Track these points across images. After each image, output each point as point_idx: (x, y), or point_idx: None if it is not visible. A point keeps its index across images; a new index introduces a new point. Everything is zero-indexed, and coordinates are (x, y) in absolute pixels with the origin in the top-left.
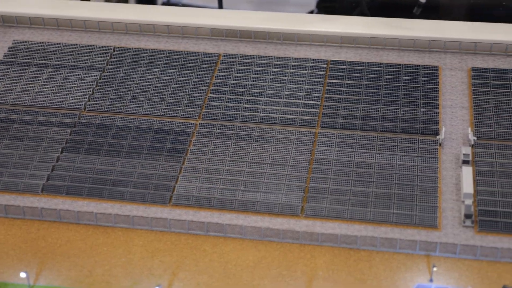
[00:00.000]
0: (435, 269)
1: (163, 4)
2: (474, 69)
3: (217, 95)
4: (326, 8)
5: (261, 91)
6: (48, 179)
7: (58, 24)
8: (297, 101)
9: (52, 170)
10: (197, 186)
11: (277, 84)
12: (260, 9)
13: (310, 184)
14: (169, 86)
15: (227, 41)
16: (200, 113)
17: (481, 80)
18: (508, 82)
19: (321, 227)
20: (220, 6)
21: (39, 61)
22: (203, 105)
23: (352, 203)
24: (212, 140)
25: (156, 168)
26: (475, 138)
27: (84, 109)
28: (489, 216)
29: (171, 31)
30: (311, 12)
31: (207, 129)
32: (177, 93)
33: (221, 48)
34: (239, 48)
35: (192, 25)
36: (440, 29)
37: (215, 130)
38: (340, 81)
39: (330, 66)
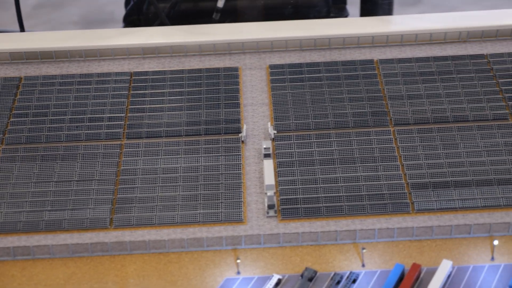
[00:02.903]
0: (239, 261)
1: None
2: (272, 66)
3: (20, 119)
4: (133, 21)
5: (65, 109)
6: None
7: None
8: (102, 115)
9: None
10: (2, 212)
11: (81, 101)
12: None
13: (118, 195)
14: None
15: (28, 63)
16: (3, 138)
17: (279, 76)
18: (304, 75)
19: (130, 236)
20: (22, 29)
21: None
22: (5, 130)
23: (160, 209)
24: (16, 164)
25: None
26: (275, 132)
27: None
28: (290, 204)
29: None
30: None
31: (10, 154)
32: None
33: (22, 71)
34: (41, 70)
35: None
36: (239, 31)
37: (19, 154)
38: (144, 92)
39: (134, 77)
